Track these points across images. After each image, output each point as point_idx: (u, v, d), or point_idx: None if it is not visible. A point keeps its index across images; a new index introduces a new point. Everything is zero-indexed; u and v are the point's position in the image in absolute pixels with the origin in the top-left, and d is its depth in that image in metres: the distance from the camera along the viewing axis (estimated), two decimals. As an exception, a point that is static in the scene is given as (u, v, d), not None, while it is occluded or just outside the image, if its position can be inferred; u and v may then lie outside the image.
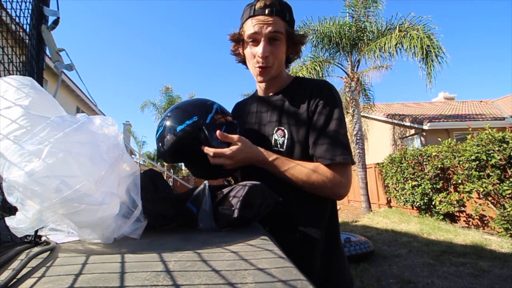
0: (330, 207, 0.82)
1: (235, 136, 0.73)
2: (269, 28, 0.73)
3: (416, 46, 7.00)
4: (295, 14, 0.82)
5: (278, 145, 0.78)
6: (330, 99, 0.77)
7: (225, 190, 0.63)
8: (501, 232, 4.45)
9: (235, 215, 0.57)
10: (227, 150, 0.70)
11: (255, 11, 0.74)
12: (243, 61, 0.86)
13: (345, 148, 0.73)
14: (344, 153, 0.73)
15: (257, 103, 0.89)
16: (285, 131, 0.78)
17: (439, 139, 6.31)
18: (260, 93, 0.90)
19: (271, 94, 0.87)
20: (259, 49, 0.75)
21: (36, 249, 0.43)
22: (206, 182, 0.64)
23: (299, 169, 0.72)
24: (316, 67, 8.32)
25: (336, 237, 0.83)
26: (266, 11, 0.73)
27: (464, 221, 5.68)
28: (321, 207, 0.80)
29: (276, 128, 0.80)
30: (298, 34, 0.80)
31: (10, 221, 0.41)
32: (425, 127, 9.06)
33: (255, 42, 0.76)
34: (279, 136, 0.79)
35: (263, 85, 0.87)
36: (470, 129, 5.97)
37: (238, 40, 0.82)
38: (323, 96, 0.77)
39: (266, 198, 0.63)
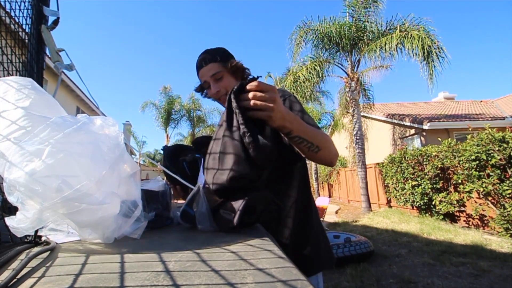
0: (299, 180, 0.94)
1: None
2: (209, 73, 0.97)
3: (418, 46, 6.99)
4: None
5: None
6: (288, 101, 0.95)
7: None
8: (501, 232, 4.46)
9: (235, 222, 0.54)
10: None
11: (198, 67, 1.00)
12: (214, 98, 1.07)
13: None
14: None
15: None
16: None
17: (439, 139, 6.31)
18: None
19: None
20: (211, 90, 0.99)
21: (36, 249, 0.43)
22: (200, 184, 0.64)
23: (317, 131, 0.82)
24: (316, 67, 8.32)
25: (309, 210, 0.94)
26: (203, 64, 0.98)
27: (464, 221, 5.68)
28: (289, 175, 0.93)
29: None
30: (235, 62, 0.99)
31: (10, 221, 0.41)
32: (425, 127, 9.05)
33: (209, 86, 1.00)
34: None
35: None
36: (470, 129, 5.97)
37: (202, 88, 1.06)
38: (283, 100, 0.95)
39: (269, 204, 0.61)
